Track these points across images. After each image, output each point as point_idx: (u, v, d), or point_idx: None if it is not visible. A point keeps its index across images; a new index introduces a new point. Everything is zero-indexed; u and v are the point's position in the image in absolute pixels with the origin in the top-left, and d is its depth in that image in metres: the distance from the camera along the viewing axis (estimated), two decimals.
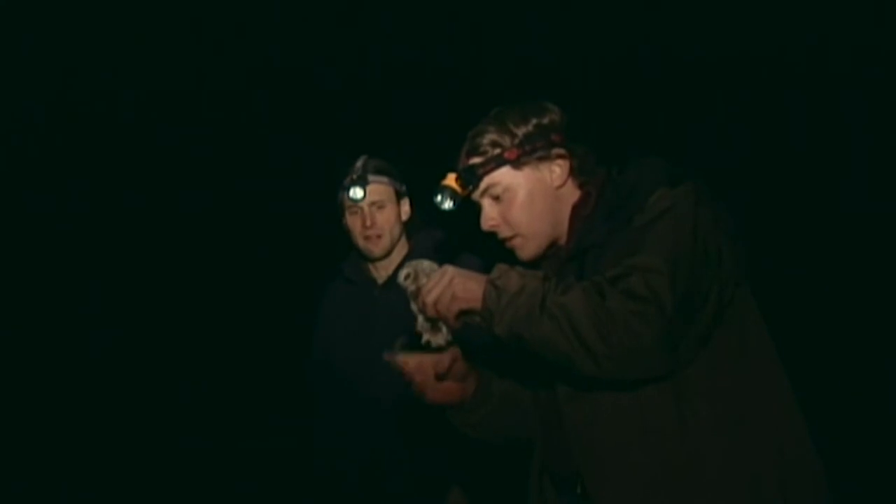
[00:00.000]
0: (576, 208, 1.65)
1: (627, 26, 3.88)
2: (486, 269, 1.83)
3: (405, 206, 2.50)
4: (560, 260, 1.67)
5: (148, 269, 4.29)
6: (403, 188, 2.49)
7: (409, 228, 2.52)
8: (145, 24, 3.88)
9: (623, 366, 1.41)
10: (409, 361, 1.64)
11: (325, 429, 2.53)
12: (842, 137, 3.77)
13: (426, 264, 1.60)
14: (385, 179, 2.44)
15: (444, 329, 1.61)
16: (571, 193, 1.66)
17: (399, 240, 2.48)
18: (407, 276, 1.59)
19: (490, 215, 1.66)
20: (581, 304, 1.40)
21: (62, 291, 4.20)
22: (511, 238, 1.66)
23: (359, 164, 2.44)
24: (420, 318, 1.60)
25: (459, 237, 2.46)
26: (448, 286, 1.50)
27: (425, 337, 1.62)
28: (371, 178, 2.41)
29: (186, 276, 4.30)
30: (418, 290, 1.56)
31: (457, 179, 1.64)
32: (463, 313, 1.51)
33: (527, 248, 1.66)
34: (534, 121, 1.63)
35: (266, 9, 3.94)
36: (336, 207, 2.48)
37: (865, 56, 3.66)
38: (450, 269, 1.53)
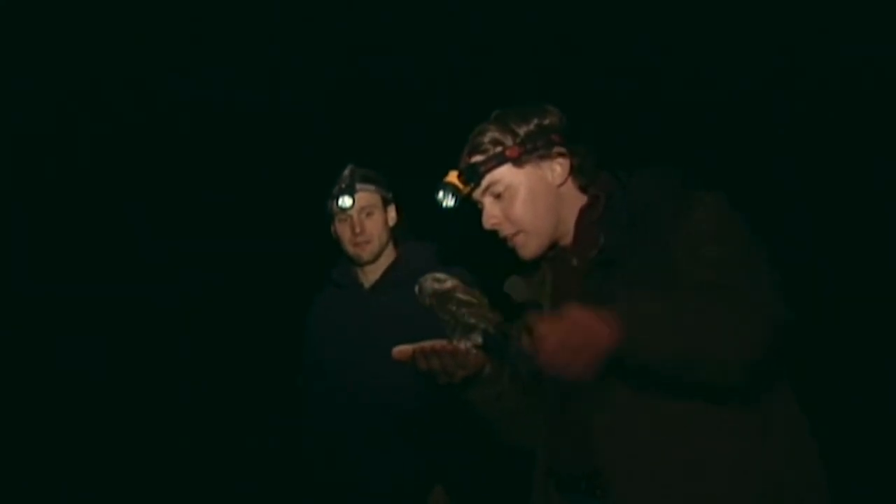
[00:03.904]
0: (584, 211, 1.67)
1: (625, 29, 3.89)
2: (474, 278, 1.86)
3: (392, 213, 2.59)
4: (565, 261, 1.69)
5: (147, 268, 4.30)
6: (390, 195, 2.59)
7: (396, 235, 2.60)
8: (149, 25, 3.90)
9: (749, 373, 1.42)
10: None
11: (316, 429, 2.55)
12: (839, 139, 3.80)
13: (428, 281, 1.65)
14: (372, 187, 2.54)
15: (474, 336, 1.63)
16: (573, 194, 1.69)
17: (387, 246, 2.58)
18: (419, 294, 1.65)
19: (492, 213, 1.68)
20: (710, 318, 1.37)
21: (60, 291, 4.21)
22: (513, 236, 1.68)
23: (346, 172, 2.54)
24: (449, 324, 1.63)
25: (446, 248, 2.52)
26: (571, 334, 1.31)
27: (455, 342, 1.64)
28: (359, 186, 2.51)
29: (186, 276, 4.31)
30: (434, 296, 1.59)
31: (458, 177, 1.67)
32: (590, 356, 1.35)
33: (529, 246, 1.67)
34: (535, 121, 1.67)
35: (258, 10, 3.96)
36: (325, 214, 2.57)
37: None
38: (562, 320, 1.32)
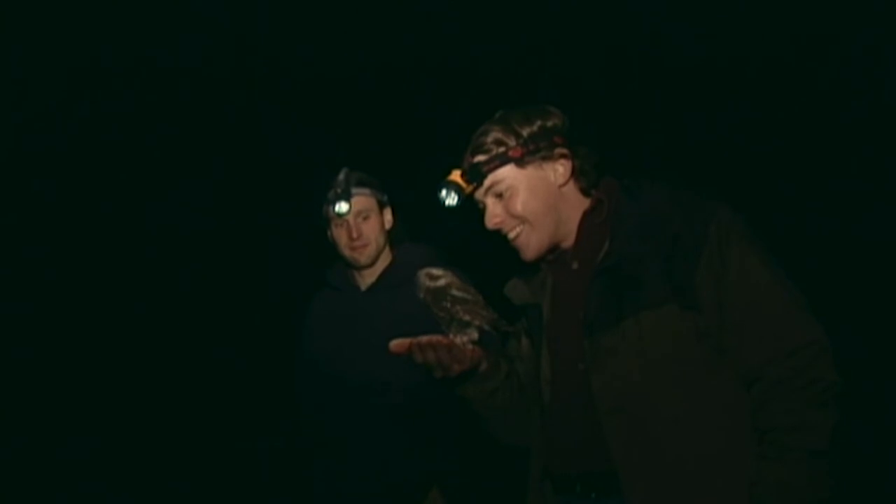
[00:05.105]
0: (587, 214, 1.68)
1: (625, 29, 3.89)
2: (470, 280, 1.88)
3: (388, 216, 2.58)
4: (566, 263, 1.69)
5: (146, 268, 4.30)
6: (385, 198, 2.58)
7: (392, 238, 2.59)
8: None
9: None
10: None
11: (312, 430, 2.56)
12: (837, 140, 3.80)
13: (423, 277, 1.69)
14: (367, 191, 2.52)
15: (470, 331, 1.67)
16: (574, 196, 1.70)
17: (384, 248, 2.57)
18: (418, 289, 1.69)
19: (494, 212, 1.69)
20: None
21: (59, 291, 4.20)
22: (516, 235, 1.68)
23: (341, 177, 2.52)
24: (445, 320, 1.67)
25: (443, 250, 2.52)
26: None
27: (451, 337, 1.67)
28: (354, 190, 2.49)
29: (186, 276, 4.31)
30: (429, 292, 1.64)
31: (461, 176, 1.68)
32: None
33: (531, 244, 1.67)
34: (538, 122, 1.68)
35: (258, 9, 3.95)
36: (321, 219, 2.56)
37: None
38: None
